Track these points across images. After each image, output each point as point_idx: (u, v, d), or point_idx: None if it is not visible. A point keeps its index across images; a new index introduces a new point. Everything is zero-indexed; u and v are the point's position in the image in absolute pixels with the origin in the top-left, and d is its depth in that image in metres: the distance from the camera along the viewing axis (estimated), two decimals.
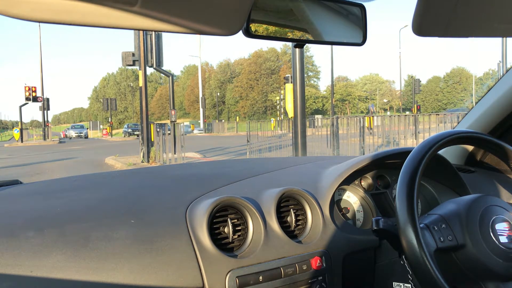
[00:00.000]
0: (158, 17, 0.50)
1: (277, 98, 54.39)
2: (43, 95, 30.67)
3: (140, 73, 11.25)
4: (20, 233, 0.83)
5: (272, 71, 63.39)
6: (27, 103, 27.46)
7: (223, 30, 0.56)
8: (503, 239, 0.86)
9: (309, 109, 56.91)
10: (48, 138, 31.47)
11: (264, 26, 0.72)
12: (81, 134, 40.65)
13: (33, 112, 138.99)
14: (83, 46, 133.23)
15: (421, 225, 0.86)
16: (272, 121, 18.12)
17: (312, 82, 64.74)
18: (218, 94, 63.67)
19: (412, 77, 48.80)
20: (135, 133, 40.90)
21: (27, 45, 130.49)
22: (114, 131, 66.83)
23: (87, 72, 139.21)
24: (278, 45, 68.16)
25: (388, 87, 60.53)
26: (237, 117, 44.85)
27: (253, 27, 0.70)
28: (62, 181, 1.23)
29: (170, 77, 12.22)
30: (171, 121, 11.58)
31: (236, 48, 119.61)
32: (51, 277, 0.79)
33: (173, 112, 11.93)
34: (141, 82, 11.30)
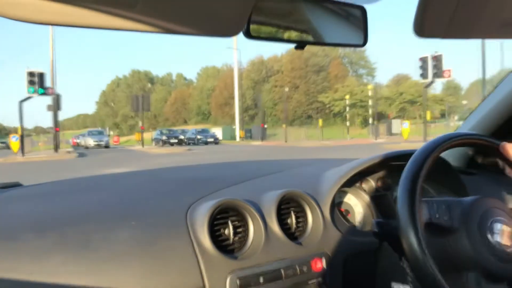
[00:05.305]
0: (158, 19, 0.51)
1: (329, 98, 45.12)
2: (53, 85, 19.97)
3: None
4: (20, 235, 0.83)
5: (320, 67, 50.14)
6: (31, 96, 17.00)
7: (224, 32, 0.56)
8: (498, 238, 0.85)
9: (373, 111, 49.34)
10: (60, 148, 21.73)
11: (265, 27, 0.73)
12: (101, 143, 30.14)
13: (36, 116, 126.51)
14: (87, 51, 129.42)
15: (422, 199, 0.84)
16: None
17: (365, 80, 52.28)
18: (256, 95, 50.40)
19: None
20: (171, 141, 30.44)
21: (29, 44, 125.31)
22: (125, 138, 58.20)
23: (92, 79, 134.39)
24: None
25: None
26: (320, 120, 30.68)
27: (254, 28, 0.70)
28: (62, 183, 1.23)
29: None
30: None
31: (267, 44, 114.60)
32: (51, 280, 0.79)
33: None
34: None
